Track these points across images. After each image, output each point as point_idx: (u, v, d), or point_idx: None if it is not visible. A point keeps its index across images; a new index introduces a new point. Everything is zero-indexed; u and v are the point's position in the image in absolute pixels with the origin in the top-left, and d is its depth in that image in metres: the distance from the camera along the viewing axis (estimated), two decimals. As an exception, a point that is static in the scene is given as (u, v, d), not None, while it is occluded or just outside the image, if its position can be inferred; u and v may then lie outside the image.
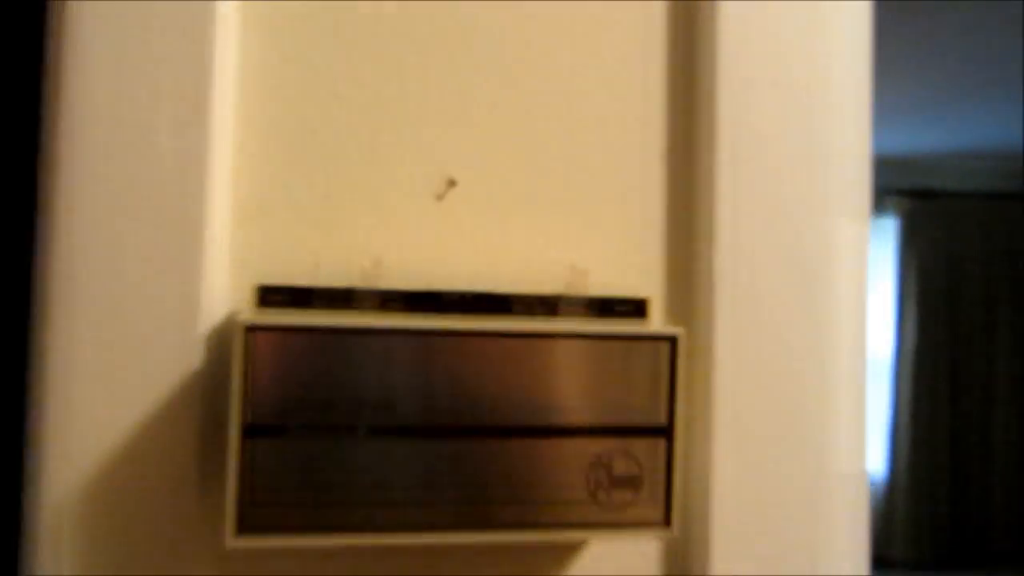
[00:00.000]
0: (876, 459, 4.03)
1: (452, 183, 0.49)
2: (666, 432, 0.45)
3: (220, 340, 0.44)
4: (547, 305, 0.47)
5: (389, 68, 0.48)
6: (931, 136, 3.75)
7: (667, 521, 0.44)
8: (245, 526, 0.39)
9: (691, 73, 0.52)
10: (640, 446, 0.44)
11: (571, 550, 0.47)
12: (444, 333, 0.43)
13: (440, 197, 0.49)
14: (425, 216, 0.49)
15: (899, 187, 4.05)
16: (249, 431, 0.40)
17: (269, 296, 0.44)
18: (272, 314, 0.43)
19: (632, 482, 0.44)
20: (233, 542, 0.39)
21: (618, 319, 0.47)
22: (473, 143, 0.50)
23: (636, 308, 0.47)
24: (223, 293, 0.45)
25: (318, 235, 0.48)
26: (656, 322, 0.49)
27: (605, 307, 0.47)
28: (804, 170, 0.51)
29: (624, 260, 0.51)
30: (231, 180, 0.46)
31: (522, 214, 0.50)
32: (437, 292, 0.46)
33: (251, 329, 0.40)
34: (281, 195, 0.47)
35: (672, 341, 0.45)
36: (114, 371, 0.42)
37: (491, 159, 0.50)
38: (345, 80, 0.48)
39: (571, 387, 0.44)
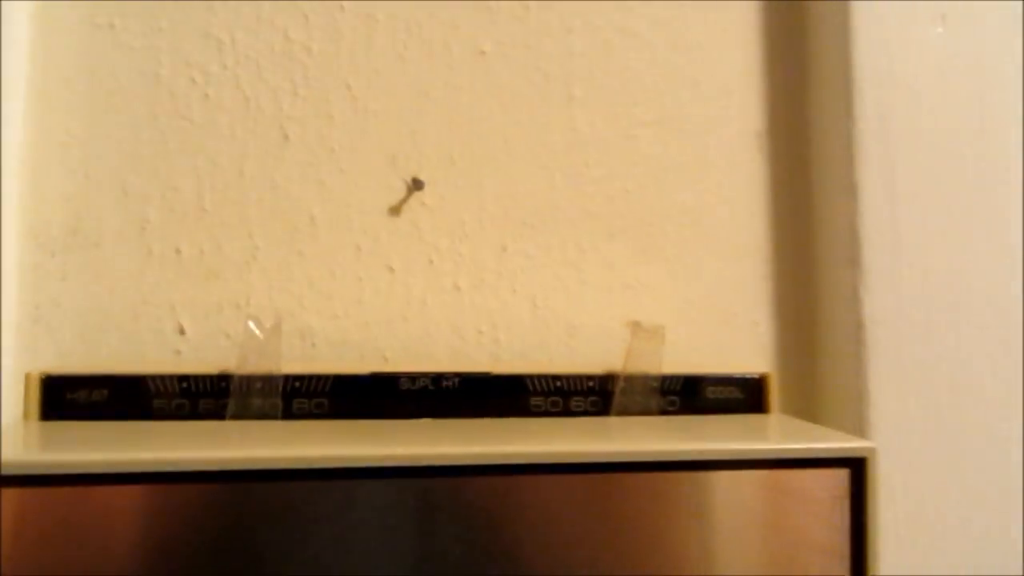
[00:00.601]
0: None
1: (417, 184, 0.48)
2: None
3: None
4: (592, 389, 0.41)
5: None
6: None
7: None
8: None
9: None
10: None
11: None
12: (445, 470, 0.30)
13: (403, 202, 0.48)
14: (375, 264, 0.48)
15: None
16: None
17: (64, 392, 0.34)
18: (53, 445, 0.28)
19: None
20: None
21: (716, 411, 0.38)
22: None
23: (745, 390, 0.41)
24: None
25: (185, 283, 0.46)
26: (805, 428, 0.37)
27: (689, 390, 0.41)
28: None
29: (704, 315, 0.50)
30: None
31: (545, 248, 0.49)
32: (399, 375, 0.41)
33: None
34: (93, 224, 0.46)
35: (858, 464, 0.31)
36: None
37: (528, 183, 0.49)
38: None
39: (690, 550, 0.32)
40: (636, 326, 0.43)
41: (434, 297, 0.49)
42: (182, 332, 0.46)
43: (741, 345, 0.52)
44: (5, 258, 0.44)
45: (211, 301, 0.47)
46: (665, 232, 0.52)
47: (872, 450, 0.33)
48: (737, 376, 0.43)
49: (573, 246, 0.51)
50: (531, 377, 0.42)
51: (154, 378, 0.39)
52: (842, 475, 0.34)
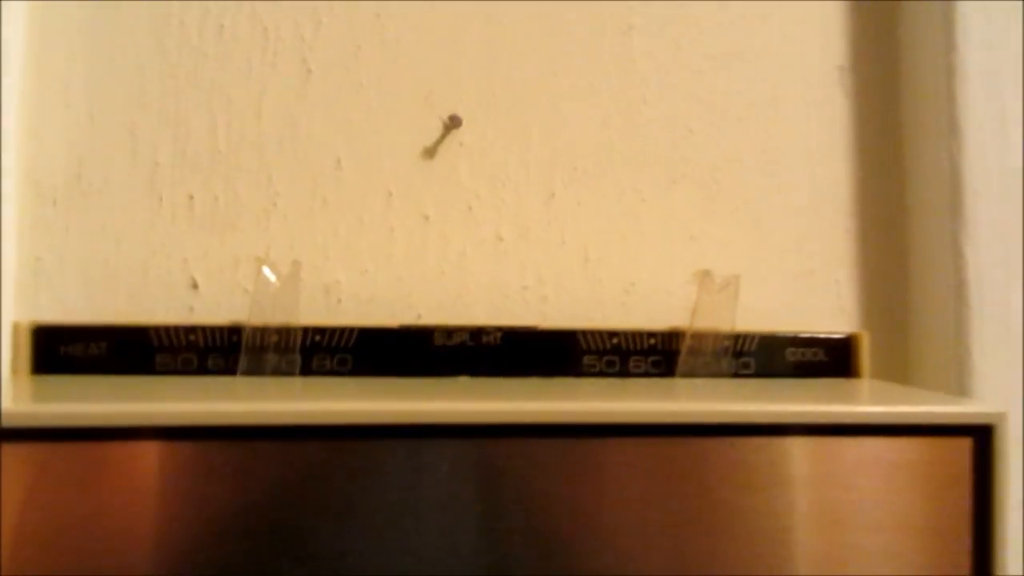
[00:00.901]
0: None
1: (454, 122, 0.43)
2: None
3: None
4: (654, 348, 0.36)
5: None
6: None
7: None
8: None
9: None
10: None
11: None
12: (507, 430, 0.25)
13: (439, 142, 0.43)
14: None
15: None
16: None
17: (58, 345, 0.30)
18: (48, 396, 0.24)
19: None
20: None
21: (796, 375, 0.32)
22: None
23: (831, 352, 0.35)
24: None
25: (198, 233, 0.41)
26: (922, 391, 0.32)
27: (766, 351, 0.36)
28: None
29: (777, 272, 0.45)
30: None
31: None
32: (433, 328, 0.36)
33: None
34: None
35: (982, 433, 0.26)
36: None
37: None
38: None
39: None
40: (705, 277, 0.37)
41: (473, 249, 0.44)
42: (195, 287, 0.42)
43: (818, 305, 0.46)
44: (4, 207, 0.40)
45: (227, 253, 0.42)
46: (734, 178, 0.46)
47: (1002, 416, 0.27)
48: (822, 336, 0.37)
49: (630, 192, 0.45)
50: (584, 333, 0.37)
51: (158, 330, 0.35)
52: (962, 446, 0.27)
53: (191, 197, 0.42)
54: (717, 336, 0.37)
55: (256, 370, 0.34)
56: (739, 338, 0.37)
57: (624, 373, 0.37)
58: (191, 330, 0.35)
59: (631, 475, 0.28)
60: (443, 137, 0.44)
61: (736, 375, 0.37)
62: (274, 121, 0.43)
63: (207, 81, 0.43)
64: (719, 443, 0.29)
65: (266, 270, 0.34)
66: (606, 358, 0.37)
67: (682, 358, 0.37)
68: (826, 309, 0.46)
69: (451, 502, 0.27)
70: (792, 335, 0.37)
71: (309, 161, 0.43)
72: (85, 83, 0.42)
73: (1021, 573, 0.38)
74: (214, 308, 0.42)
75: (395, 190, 0.43)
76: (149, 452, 0.26)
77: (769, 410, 0.28)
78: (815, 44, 0.47)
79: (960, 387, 0.43)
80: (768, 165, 0.46)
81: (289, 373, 0.35)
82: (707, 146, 0.46)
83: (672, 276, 0.45)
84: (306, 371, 0.35)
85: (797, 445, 0.28)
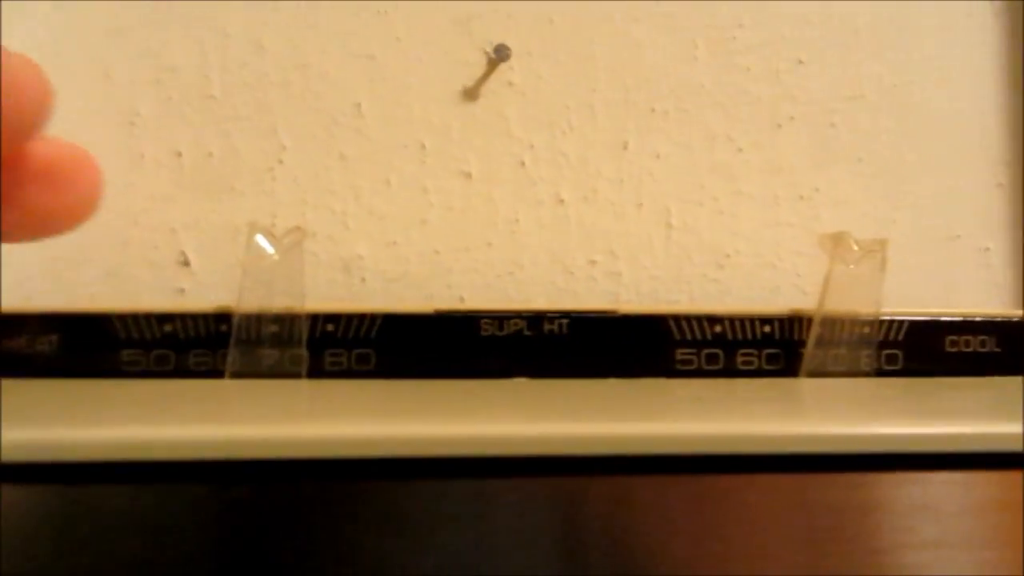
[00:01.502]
0: None
1: (501, 54, 0.34)
2: None
3: None
4: (770, 337, 0.27)
5: None
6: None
7: None
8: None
9: None
10: None
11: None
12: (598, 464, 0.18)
13: (483, 81, 0.34)
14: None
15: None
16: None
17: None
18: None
19: None
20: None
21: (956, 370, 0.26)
22: None
23: (1004, 340, 0.27)
24: None
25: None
26: None
27: (917, 340, 0.27)
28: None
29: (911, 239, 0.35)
30: None
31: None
32: (479, 314, 0.27)
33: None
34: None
35: None
36: None
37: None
38: None
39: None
40: (841, 241, 0.28)
41: (527, 214, 0.35)
42: (186, 264, 0.34)
43: (964, 279, 0.36)
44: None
45: (223, 222, 0.34)
46: (856, 121, 0.37)
47: None
48: (996, 320, 0.28)
49: (723, 141, 0.36)
50: (677, 318, 0.28)
51: (124, 318, 0.27)
52: None
53: (179, 154, 0.34)
54: (855, 321, 0.28)
55: (250, 369, 0.26)
56: (886, 324, 0.28)
57: (730, 371, 0.28)
58: (166, 318, 0.27)
59: (755, 515, 0.20)
60: (488, 74, 0.35)
61: (879, 373, 0.28)
62: (279, 58, 0.35)
63: (197, 9, 0.35)
64: (878, 480, 0.20)
65: (260, 239, 0.26)
66: (706, 351, 0.28)
67: (809, 351, 0.28)
68: (974, 283, 0.36)
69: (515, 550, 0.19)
70: (953, 319, 0.28)
71: (323, 106, 0.35)
72: (49, 14, 0.34)
73: None
74: (210, 289, 0.34)
75: (429, 142, 0.35)
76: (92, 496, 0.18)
77: (951, 433, 0.19)
78: (953, -48, 0.38)
79: None
80: (898, 104, 0.37)
81: (293, 373, 0.26)
82: (820, 81, 0.36)
83: (777, 245, 0.36)
84: (316, 370, 0.27)
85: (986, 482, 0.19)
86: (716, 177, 0.36)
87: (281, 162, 0.34)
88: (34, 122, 0.19)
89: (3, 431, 0.17)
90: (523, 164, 0.35)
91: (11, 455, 0.17)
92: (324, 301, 0.33)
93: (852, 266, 0.27)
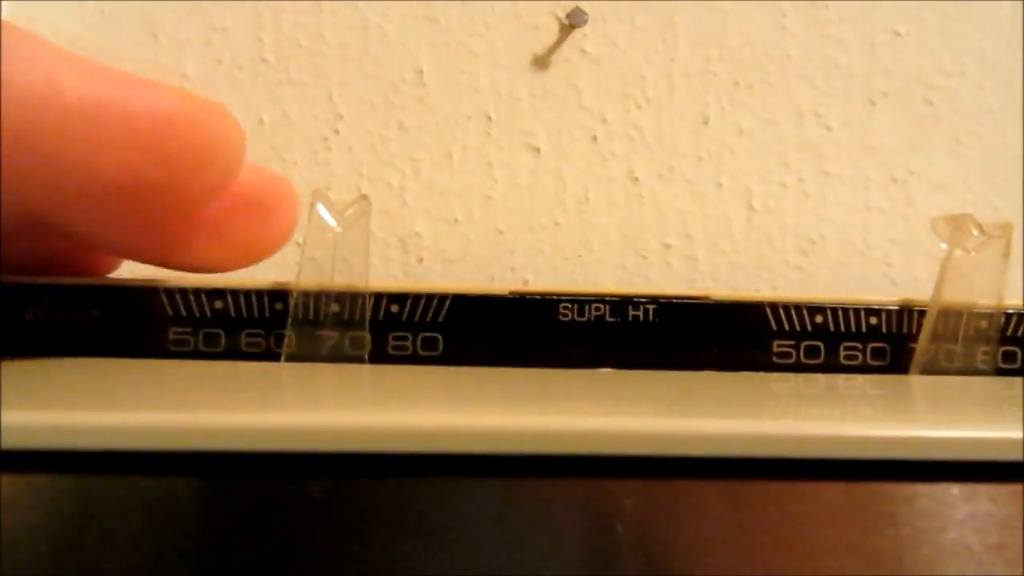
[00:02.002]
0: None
1: (575, 20, 0.31)
2: None
3: None
4: (876, 330, 0.24)
5: None
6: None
7: None
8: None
9: None
10: None
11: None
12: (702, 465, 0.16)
13: (554, 48, 0.32)
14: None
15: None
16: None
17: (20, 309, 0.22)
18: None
19: None
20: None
21: None
22: None
23: None
24: None
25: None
26: None
27: None
28: None
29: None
30: None
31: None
32: (558, 297, 0.25)
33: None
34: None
35: None
36: None
37: None
38: None
39: None
40: (960, 224, 0.25)
41: (599, 192, 0.33)
42: (233, 238, 0.31)
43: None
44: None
45: (274, 194, 0.32)
46: (956, 100, 0.34)
47: None
48: None
49: (811, 118, 0.33)
50: (775, 307, 0.25)
51: (171, 291, 0.24)
52: None
53: (228, 120, 0.32)
54: (972, 314, 0.25)
55: (308, 352, 0.24)
56: (1006, 317, 0.25)
57: (831, 365, 0.25)
58: (217, 294, 0.24)
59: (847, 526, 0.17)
60: (560, 41, 0.32)
61: (999, 372, 0.25)
62: (336, 20, 0.32)
63: (249, -33, 0.32)
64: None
65: (321, 209, 0.24)
66: (806, 343, 0.25)
67: (921, 346, 0.25)
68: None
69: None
70: (1081, 313, 0.25)
71: (382, 73, 0.32)
72: (93, -30, 0.32)
73: None
74: (264, 265, 0.32)
75: (495, 113, 0.32)
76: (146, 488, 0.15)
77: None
78: (1065, -83, 0.35)
79: None
80: (1003, 83, 0.34)
81: (355, 357, 0.24)
82: (918, 55, 0.34)
83: (866, 232, 0.33)
84: (378, 355, 0.25)
85: None
86: (802, 156, 0.33)
87: (337, 132, 0.32)
88: (231, 171, 0.21)
89: (6, 414, 0.15)
90: (595, 139, 0.33)
91: (14, 440, 0.15)
92: (383, 280, 0.30)
93: (973, 252, 0.25)
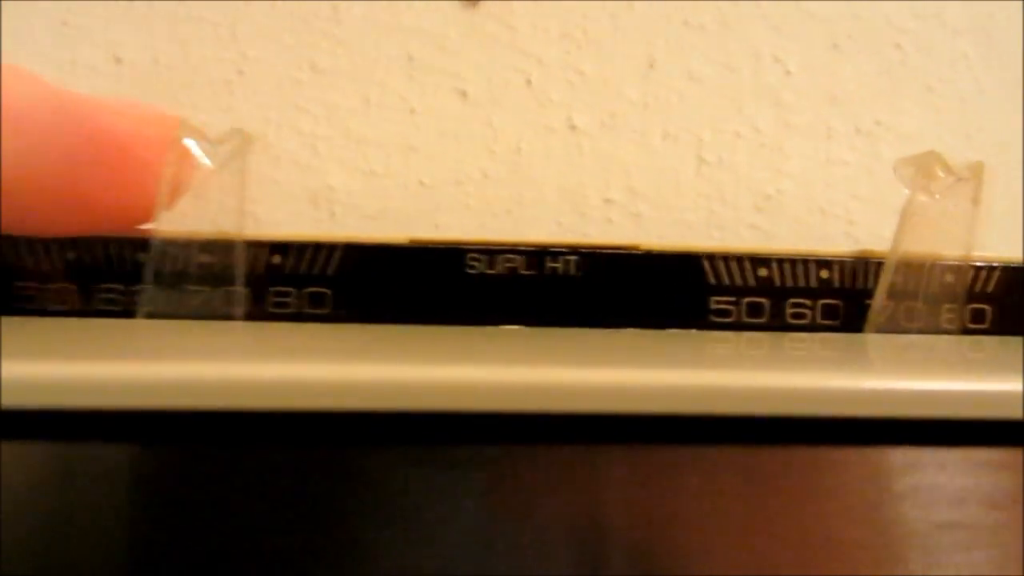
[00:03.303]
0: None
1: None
2: None
3: None
4: (828, 285, 0.22)
5: None
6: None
7: None
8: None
9: None
10: None
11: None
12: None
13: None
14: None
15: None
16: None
17: None
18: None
19: None
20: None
21: None
22: None
23: None
24: None
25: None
26: None
27: (1011, 292, 0.21)
28: None
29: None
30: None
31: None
32: (465, 248, 0.22)
33: None
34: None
35: None
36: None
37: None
38: None
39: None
40: (925, 164, 0.22)
41: (534, 142, 0.29)
42: (125, 191, 0.28)
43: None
44: None
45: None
46: (927, 44, 0.31)
47: None
48: None
49: (768, 61, 0.30)
50: (712, 258, 0.22)
51: (14, 243, 0.21)
52: None
53: (119, 60, 0.29)
54: (935, 267, 0.22)
55: (171, 309, 0.21)
56: (975, 272, 0.22)
57: (777, 324, 0.22)
58: (69, 243, 0.21)
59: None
60: (489, -27, 0.29)
61: (965, 332, 0.23)
62: (241, -51, 0.29)
63: None
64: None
65: (191, 144, 0.21)
66: (748, 300, 0.22)
67: (877, 302, 0.22)
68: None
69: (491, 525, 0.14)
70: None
71: (292, 8, 0.29)
72: None
73: None
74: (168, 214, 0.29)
75: (418, 53, 0.29)
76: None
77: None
78: None
79: None
80: (978, 26, 0.31)
81: (226, 315, 0.21)
82: (886, -8, 0.31)
83: (828, 187, 0.30)
84: (257, 312, 0.21)
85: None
86: (759, 104, 0.30)
87: (241, 73, 0.29)
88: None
89: None
90: (529, 83, 0.29)
91: None
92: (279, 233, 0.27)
93: (938, 196, 0.22)
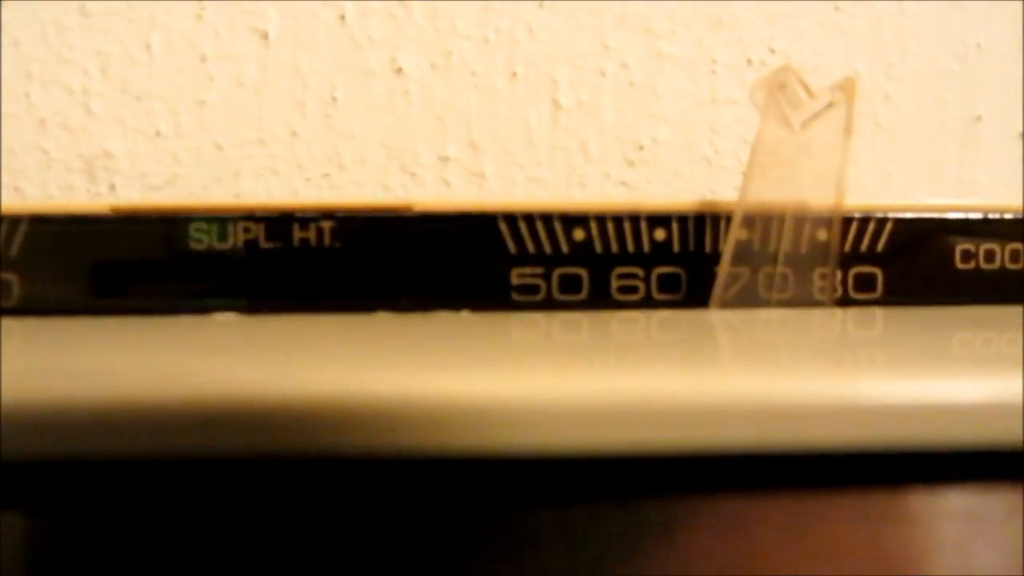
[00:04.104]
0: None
1: None
2: None
3: None
4: (664, 249, 0.17)
5: None
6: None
7: None
8: None
9: None
10: None
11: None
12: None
13: None
14: None
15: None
16: None
17: None
18: None
19: None
20: None
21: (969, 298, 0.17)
22: None
23: None
24: None
25: None
26: None
27: (905, 249, 0.17)
28: None
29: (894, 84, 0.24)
30: None
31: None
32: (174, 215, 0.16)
33: None
34: None
35: None
36: None
37: None
38: None
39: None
40: (779, 82, 0.17)
41: (352, 89, 0.24)
42: None
43: (984, 176, 0.25)
44: None
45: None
46: (828, -51, 0.25)
47: None
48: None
49: (634, -20, 0.25)
50: (512, 219, 0.17)
51: None
52: None
53: None
54: (805, 220, 0.17)
55: None
56: (858, 224, 0.17)
57: (599, 301, 0.17)
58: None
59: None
60: None
61: (843, 302, 0.17)
62: None
63: None
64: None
65: None
66: (560, 272, 0.17)
67: (724, 269, 0.17)
68: (999, 182, 0.25)
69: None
70: (969, 217, 0.17)
71: (52, -61, 0.24)
72: None
73: None
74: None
75: (208, -13, 0.24)
76: None
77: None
78: None
79: None
80: (892, -76, 0.25)
81: None
82: None
83: (713, 132, 0.25)
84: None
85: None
86: (626, 33, 0.25)
87: (-6, 19, 0.24)
88: None
89: None
90: (343, 18, 0.24)
91: None
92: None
93: (798, 125, 0.17)
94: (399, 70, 0.24)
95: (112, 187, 0.24)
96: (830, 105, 0.17)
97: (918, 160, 0.25)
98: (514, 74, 0.24)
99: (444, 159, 0.24)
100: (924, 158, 0.26)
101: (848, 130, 0.17)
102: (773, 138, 0.17)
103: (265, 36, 0.24)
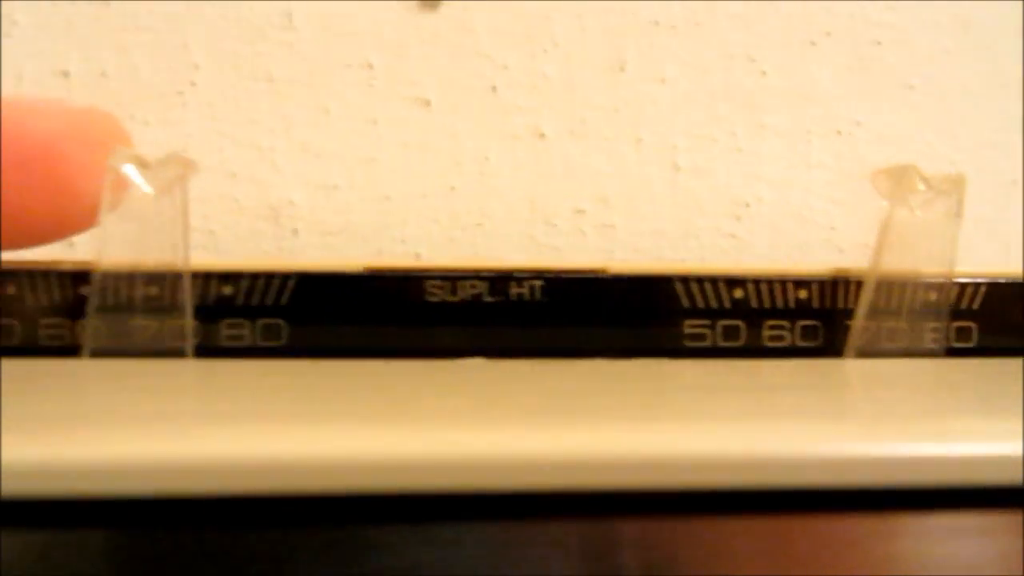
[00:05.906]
0: None
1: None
2: None
3: None
4: (805, 305, 0.21)
5: None
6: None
7: None
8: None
9: None
10: None
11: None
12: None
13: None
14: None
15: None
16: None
17: None
18: None
19: None
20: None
21: None
22: None
23: None
24: None
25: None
26: None
27: (994, 308, 0.21)
28: None
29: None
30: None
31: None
32: (424, 274, 0.20)
33: None
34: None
35: None
36: None
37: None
38: None
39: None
40: (903, 177, 0.21)
41: (501, 151, 0.28)
42: (74, 211, 0.27)
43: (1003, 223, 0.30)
44: None
45: (121, 158, 0.27)
46: (906, 39, 0.30)
47: None
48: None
49: (742, 61, 0.29)
50: (686, 280, 0.21)
51: (-47, 278, 0.20)
52: None
53: (66, 73, 0.27)
54: (918, 284, 0.21)
55: (118, 344, 0.20)
56: (957, 289, 0.22)
57: (753, 348, 0.21)
58: (7, 275, 0.20)
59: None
60: (451, -25, 0.28)
61: (950, 353, 0.22)
62: (190, -46, 0.28)
63: None
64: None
65: (130, 171, 0.20)
66: (723, 323, 0.21)
67: (858, 323, 0.21)
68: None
69: None
70: (1042, 280, 0.21)
71: (244, 16, 0.28)
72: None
73: None
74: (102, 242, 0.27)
75: (378, 60, 0.28)
76: None
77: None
78: None
79: None
80: (960, 19, 0.30)
81: (176, 352, 0.20)
82: (864, -12, 0.29)
83: (808, 192, 0.29)
84: (207, 348, 0.20)
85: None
86: (734, 107, 0.29)
87: (193, 84, 0.28)
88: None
89: None
90: (494, 89, 0.28)
91: None
92: (246, 259, 0.26)
93: (918, 211, 0.21)
94: (542, 135, 0.28)
95: (295, 232, 0.28)
96: (942, 193, 0.21)
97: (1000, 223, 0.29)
98: (640, 140, 0.29)
99: (580, 212, 0.28)
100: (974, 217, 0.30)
101: (957, 214, 0.21)
102: (897, 219, 0.21)
103: (427, 103, 0.28)
